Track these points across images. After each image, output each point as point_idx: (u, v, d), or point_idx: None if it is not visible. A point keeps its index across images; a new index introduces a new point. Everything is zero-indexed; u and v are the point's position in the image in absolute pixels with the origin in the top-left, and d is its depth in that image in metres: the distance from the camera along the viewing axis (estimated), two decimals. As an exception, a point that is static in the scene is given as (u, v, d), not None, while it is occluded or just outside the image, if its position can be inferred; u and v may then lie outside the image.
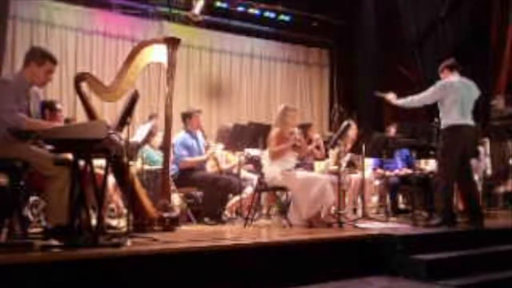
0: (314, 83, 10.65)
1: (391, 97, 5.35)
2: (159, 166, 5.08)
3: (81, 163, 3.33)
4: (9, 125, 3.37)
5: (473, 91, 5.03)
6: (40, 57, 3.60)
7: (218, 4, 9.16)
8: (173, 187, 5.12)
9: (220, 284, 3.21)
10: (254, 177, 5.78)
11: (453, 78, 4.98)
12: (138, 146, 4.91)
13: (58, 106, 4.60)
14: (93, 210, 3.84)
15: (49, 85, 5.33)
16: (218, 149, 5.79)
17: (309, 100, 10.55)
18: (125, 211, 4.83)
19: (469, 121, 4.92)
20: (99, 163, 3.87)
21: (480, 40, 8.24)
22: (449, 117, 4.87)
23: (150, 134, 5.27)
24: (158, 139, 5.85)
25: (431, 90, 5.00)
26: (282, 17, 9.77)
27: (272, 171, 4.96)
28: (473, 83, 5.07)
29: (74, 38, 8.06)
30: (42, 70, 3.60)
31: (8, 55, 7.24)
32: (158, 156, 5.73)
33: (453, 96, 4.87)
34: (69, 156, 3.41)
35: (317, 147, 5.46)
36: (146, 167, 5.55)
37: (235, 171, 5.94)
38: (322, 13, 9.79)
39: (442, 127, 4.93)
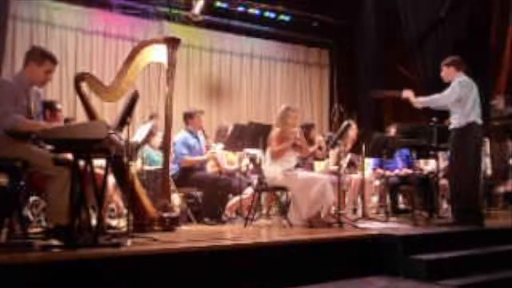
0: (314, 83, 10.64)
1: (410, 95, 5.18)
2: (159, 166, 5.08)
3: (81, 163, 3.33)
4: (6, 127, 3.37)
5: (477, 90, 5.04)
6: (40, 57, 3.61)
7: (218, 4, 9.14)
8: (173, 187, 5.12)
9: (220, 284, 3.21)
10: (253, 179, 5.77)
11: (463, 77, 4.97)
12: (138, 146, 4.91)
13: (58, 106, 4.62)
14: (93, 210, 3.83)
15: (49, 85, 5.34)
16: (218, 149, 5.79)
17: (309, 100, 10.54)
18: (125, 211, 4.83)
19: (481, 120, 4.94)
20: (99, 163, 3.87)
21: (480, 40, 8.24)
22: (468, 116, 4.85)
23: (150, 134, 5.27)
24: (158, 139, 5.85)
25: (454, 87, 4.90)
26: (282, 17, 9.74)
27: (273, 171, 4.97)
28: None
29: (74, 38, 8.04)
30: (41, 69, 3.61)
31: (8, 55, 7.22)
32: (158, 156, 5.73)
33: (472, 94, 4.88)
34: (69, 156, 3.41)
35: (319, 148, 5.53)
36: (146, 167, 5.55)
37: (238, 174, 5.81)
38: (322, 13, 9.77)
39: (457, 125, 4.88)
